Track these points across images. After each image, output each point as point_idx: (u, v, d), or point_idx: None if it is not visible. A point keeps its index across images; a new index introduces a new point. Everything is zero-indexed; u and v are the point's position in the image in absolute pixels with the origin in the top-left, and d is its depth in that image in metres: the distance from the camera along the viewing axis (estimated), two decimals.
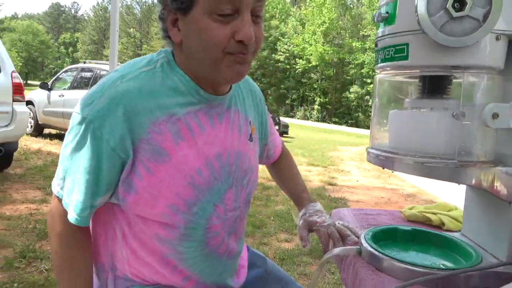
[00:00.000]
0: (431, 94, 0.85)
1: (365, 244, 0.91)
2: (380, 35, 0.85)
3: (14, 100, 4.19)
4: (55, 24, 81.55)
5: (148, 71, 0.77)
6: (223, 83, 0.82)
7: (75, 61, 68.84)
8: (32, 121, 7.63)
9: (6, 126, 4.11)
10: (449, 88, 0.85)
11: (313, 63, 38.87)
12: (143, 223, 0.80)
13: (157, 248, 0.82)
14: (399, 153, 0.81)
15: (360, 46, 38.07)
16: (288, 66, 42.47)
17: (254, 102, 1.00)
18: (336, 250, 0.95)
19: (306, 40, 40.02)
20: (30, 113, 5.37)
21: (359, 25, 40.22)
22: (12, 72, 4.21)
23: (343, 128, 31.40)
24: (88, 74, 7.43)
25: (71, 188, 0.77)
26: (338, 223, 1.01)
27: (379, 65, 0.87)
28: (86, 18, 76.92)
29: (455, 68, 0.76)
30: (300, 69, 40.33)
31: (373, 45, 0.90)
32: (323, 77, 40.45)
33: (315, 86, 40.77)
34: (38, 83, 8.68)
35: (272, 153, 1.17)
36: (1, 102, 4.09)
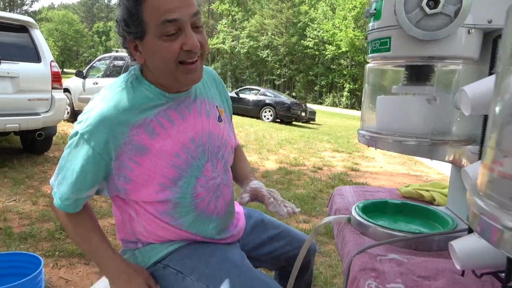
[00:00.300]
0: (415, 82, 0.96)
1: (354, 213, 1.04)
2: (369, 29, 0.97)
3: (53, 88, 4.49)
4: (89, 14, 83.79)
5: (122, 90, 0.98)
6: (183, 88, 1.01)
7: (108, 49, 70.58)
8: (69, 108, 8.05)
9: (46, 112, 4.42)
10: (431, 76, 0.95)
11: (343, 49, 38.12)
12: (145, 205, 1.03)
13: (160, 219, 1.04)
14: (382, 133, 0.93)
15: None
16: (317, 52, 41.88)
17: (218, 89, 1.19)
18: (330, 218, 1.09)
19: (336, 25, 39.23)
20: (67, 100, 5.69)
21: None
22: (51, 61, 4.51)
23: None
24: (120, 63, 7.73)
25: (61, 181, 0.99)
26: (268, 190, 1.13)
27: (368, 55, 0.98)
28: None
29: (431, 58, 0.87)
30: (329, 55, 39.69)
31: None
32: (353, 63, 39.67)
33: (345, 73, 40.07)
34: (73, 71, 9.11)
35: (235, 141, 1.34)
36: (41, 89, 4.40)
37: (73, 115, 8.23)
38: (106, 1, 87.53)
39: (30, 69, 4.31)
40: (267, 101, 13.62)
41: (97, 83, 7.52)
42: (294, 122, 14.00)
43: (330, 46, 39.51)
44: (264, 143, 7.76)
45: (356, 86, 39.13)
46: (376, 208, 1.13)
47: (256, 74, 47.78)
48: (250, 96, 14.25)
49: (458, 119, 0.88)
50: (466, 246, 0.64)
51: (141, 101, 0.97)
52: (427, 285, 0.74)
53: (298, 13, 44.00)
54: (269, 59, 44.57)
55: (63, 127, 7.23)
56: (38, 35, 4.52)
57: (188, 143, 1.01)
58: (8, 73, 4.09)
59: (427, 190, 1.28)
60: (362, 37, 37.27)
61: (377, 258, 0.84)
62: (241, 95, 14.41)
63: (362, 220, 1.00)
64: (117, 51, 8.52)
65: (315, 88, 43.31)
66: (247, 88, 15.74)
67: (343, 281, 1.02)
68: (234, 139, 1.23)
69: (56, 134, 5.07)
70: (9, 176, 3.96)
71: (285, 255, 1.28)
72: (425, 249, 0.90)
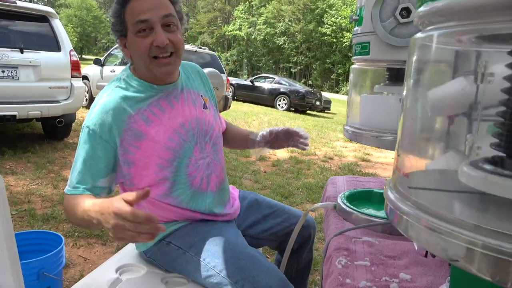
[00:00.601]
0: (395, 82, 1.05)
1: (339, 201, 1.15)
2: (354, 33, 1.06)
3: (72, 76, 4.67)
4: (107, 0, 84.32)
5: (116, 87, 1.14)
6: (160, 79, 1.14)
7: None
8: (87, 95, 8.29)
9: (66, 99, 4.62)
10: None
11: None
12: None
13: (162, 202, 1.18)
14: (362, 129, 1.03)
15: None
16: (334, 40, 41.32)
17: (202, 80, 1.34)
18: (318, 204, 1.20)
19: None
20: (85, 88, 5.89)
21: None
22: (70, 51, 4.68)
23: None
24: None
25: (72, 170, 1.10)
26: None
27: (353, 57, 1.08)
28: None
29: (404, 62, 0.96)
30: (347, 43, 39.12)
31: None
32: None
33: None
34: (92, 57, 9.33)
35: (221, 125, 1.47)
36: (61, 78, 4.58)
37: (91, 102, 8.45)
38: None
39: (50, 58, 4.49)
40: (281, 90, 13.65)
41: (114, 71, 7.70)
42: (308, 111, 14.01)
43: (348, 33, 38.88)
44: (267, 152, 7.83)
45: None
46: (361, 197, 1.23)
47: (272, 61, 47.50)
48: (265, 85, 14.29)
49: None
50: None
51: (134, 94, 1.13)
52: (391, 263, 0.84)
53: None
54: (286, 46, 44.21)
55: (82, 114, 7.46)
56: (58, 25, 4.69)
57: (179, 128, 1.16)
58: (30, 62, 4.28)
59: None
60: None
61: (352, 240, 0.95)
62: (256, 83, 14.46)
63: (346, 207, 1.11)
64: None
65: (332, 76, 42.86)
66: (262, 76, 15.78)
67: None
68: (220, 123, 1.38)
69: (75, 120, 5.28)
70: (32, 160, 4.19)
71: (282, 231, 1.38)
72: (398, 234, 1.01)
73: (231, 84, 13.63)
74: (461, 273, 0.47)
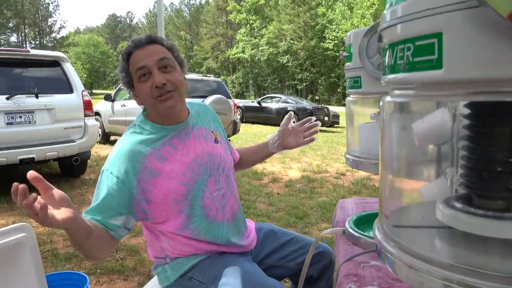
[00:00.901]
0: None
1: (347, 226, 1.20)
2: (346, 68, 1.13)
3: (85, 115, 4.84)
4: (113, 35, 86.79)
5: (132, 132, 1.24)
6: (168, 116, 1.23)
7: None
8: (100, 130, 8.49)
9: (81, 138, 4.78)
10: None
11: None
12: (165, 225, 1.24)
13: (181, 235, 1.24)
14: (361, 157, 1.09)
15: None
16: (337, 54, 41.63)
17: (212, 117, 1.44)
18: (328, 231, 1.25)
19: (355, 24, 38.89)
20: (98, 125, 6.04)
21: None
22: (82, 91, 4.87)
23: None
24: None
25: (90, 207, 1.16)
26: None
27: (347, 90, 1.15)
28: (140, 25, 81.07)
29: None
30: None
31: None
32: None
33: None
34: (101, 91, 9.60)
35: (235, 156, 1.57)
36: (75, 118, 4.76)
37: (104, 137, 8.66)
38: (128, 21, 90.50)
39: (64, 100, 4.67)
40: (289, 108, 13.76)
41: (124, 105, 7.91)
42: None
43: None
44: (287, 152, 7.90)
45: None
46: (369, 219, 1.28)
47: (277, 80, 47.94)
48: (272, 105, 14.44)
49: None
50: None
51: (148, 136, 1.22)
52: (398, 286, 0.89)
53: (315, 16, 43.93)
54: (290, 64, 44.66)
55: (96, 149, 7.65)
56: (69, 68, 4.90)
57: (191, 163, 1.23)
58: (45, 106, 4.46)
59: None
60: None
61: (361, 265, 1.00)
62: (263, 104, 14.62)
63: (354, 232, 1.16)
64: None
65: (338, 89, 42.99)
66: (268, 97, 15.95)
67: None
68: (232, 155, 1.48)
69: (90, 157, 5.42)
70: None
71: (300, 258, 1.41)
72: None
73: (238, 107, 13.82)
74: None
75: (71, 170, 5.30)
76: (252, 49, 47.17)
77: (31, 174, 0.86)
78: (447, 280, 0.40)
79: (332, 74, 43.11)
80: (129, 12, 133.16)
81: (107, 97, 8.48)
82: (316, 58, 43.75)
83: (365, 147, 1.12)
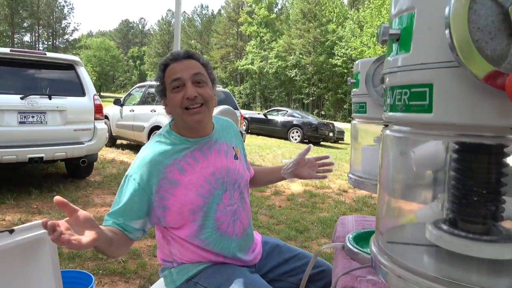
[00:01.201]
0: None
1: (347, 241, 1.27)
2: (353, 94, 1.21)
3: (95, 119, 4.95)
4: (125, 40, 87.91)
5: (157, 141, 1.31)
6: (195, 128, 1.30)
7: (142, 73, 73.42)
8: (107, 134, 8.61)
9: (89, 140, 4.88)
10: None
11: None
12: (178, 231, 1.30)
13: (191, 243, 1.30)
14: (363, 177, 1.17)
15: None
16: (345, 70, 41.95)
17: (234, 133, 1.50)
18: (327, 245, 1.31)
19: (365, 43, 39.20)
20: (107, 128, 6.13)
21: None
22: (94, 95, 4.99)
23: None
24: (154, 90, 8.23)
25: (111, 210, 1.24)
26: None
27: (353, 114, 1.23)
28: (152, 32, 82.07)
29: None
30: None
31: None
32: None
33: None
34: (109, 94, 9.74)
35: (249, 173, 1.60)
36: (85, 121, 4.87)
37: (111, 140, 8.78)
38: (140, 27, 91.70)
39: (76, 103, 4.79)
40: (294, 122, 13.87)
41: (133, 110, 8.04)
42: (322, 142, 14.12)
43: None
44: (297, 181, 7.95)
45: None
46: (368, 237, 1.34)
47: (284, 93, 48.24)
48: (278, 117, 14.55)
49: None
50: None
51: (171, 147, 1.29)
52: None
53: (325, 32, 44.38)
54: (298, 78, 44.98)
55: (102, 152, 7.75)
56: (83, 72, 5.03)
57: (210, 177, 1.29)
58: (57, 107, 4.58)
59: None
60: None
61: (358, 279, 1.06)
62: (269, 117, 14.74)
63: (352, 248, 1.23)
64: (151, 80, 9.08)
65: (344, 106, 43.16)
66: (274, 109, 16.08)
67: None
68: (248, 172, 1.53)
69: (97, 160, 5.51)
70: None
71: (302, 274, 1.39)
72: None
73: (245, 118, 13.93)
74: None
75: (77, 171, 5.39)
76: (261, 61, 47.59)
77: (57, 199, 0.93)
78: None
79: (339, 90, 43.33)
80: (142, 18, 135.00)
81: (117, 102, 8.62)
82: (324, 73, 44.04)
83: (367, 168, 1.19)
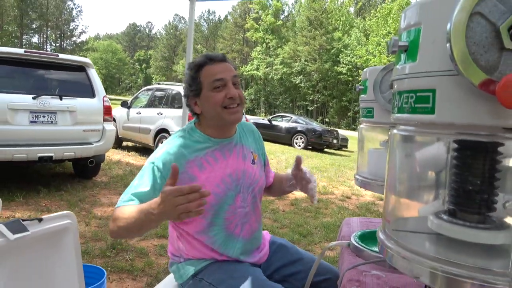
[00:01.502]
0: None
1: (352, 240, 1.34)
2: (361, 99, 1.29)
3: (104, 120, 5.04)
4: (131, 43, 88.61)
5: (181, 136, 1.38)
6: (228, 127, 1.38)
7: (147, 76, 73.84)
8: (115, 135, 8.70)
9: (98, 141, 4.96)
10: None
11: None
12: (187, 225, 1.36)
13: (197, 239, 1.36)
14: (369, 178, 1.23)
15: None
16: (350, 78, 42.09)
17: (255, 138, 1.55)
18: (334, 243, 1.38)
19: (370, 51, 39.36)
20: (115, 130, 6.19)
21: None
22: (103, 97, 5.08)
23: None
24: (161, 93, 8.33)
25: (129, 189, 1.29)
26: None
27: (360, 119, 1.30)
28: (159, 36, 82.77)
29: None
30: None
31: None
32: None
33: None
34: (115, 97, 9.81)
35: (268, 180, 1.63)
36: (94, 122, 4.96)
37: (117, 142, 8.86)
38: (147, 30, 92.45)
39: (86, 104, 4.89)
40: (298, 128, 13.94)
41: (140, 113, 8.14)
42: (325, 149, 14.18)
43: None
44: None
45: None
46: (372, 236, 1.41)
47: (289, 100, 48.39)
48: (282, 123, 14.63)
49: None
50: None
51: (194, 143, 1.35)
52: None
53: (331, 40, 44.58)
54: (302, 85, 45.14)
55: (108, 153, 7.83)
56: (93, 74, 5.14)
57: (226, 177, 1.35)
58: (68, 108, 4.67)
59: None
60: None
61: (363, 273, 1.13)
62: (274, 122, 14.82)
63: (358, 246, 1.29)
64: (159, 84, 9.20)
65: (349, 114, 43.22)
66: (279, 115, 16.17)
67: None
68: (265, 178, 1.55)
69: (104, 160, 5.60)
70: (65, 199, 4.47)
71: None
72: None
73: None
74: None
75: (84, 171, 5.48)
76: (266, 67, 47.82)
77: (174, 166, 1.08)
78: (432, 268, 0.54)
79: (344, 98, 43.41)
80: (149, 22, 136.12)
81: (124, 104, 8.73)
82: (329, 81, 44.17)
83: (373, 170, 1.26)
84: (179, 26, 76.96)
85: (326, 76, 43.91)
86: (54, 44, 52.63)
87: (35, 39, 51.02)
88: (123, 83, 76.57)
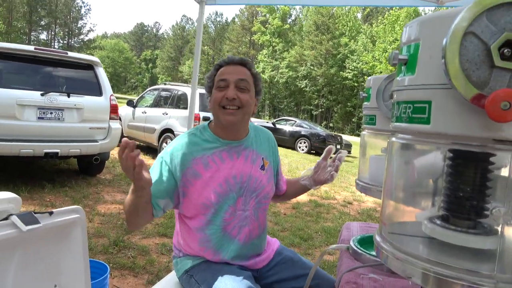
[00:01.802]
0: None
1: (351, 244, 1.37)
2: (364, 107, 1.32)
3: (110, 118, 5.10)
4: (138, 42, 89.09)
5: (192, 133, 1.43)
6: (227, 128, 1.40)
7: (153, 76, 74.17)
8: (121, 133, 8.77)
9: (104, 139, 5.02)
10: None
11: None
12: (190, 220, 1.40)
13: (195, 233, 1.39)
14: (370, 184, 1.27)
15: None
16: (356, 84, 42.10)
17: (269, 146, 1.56)
18: (334, 246, 1.41)
19: (376, 57, 39.40)
20: (121, 128, 6.23)
21: None
22: (110, 95, 5.15)
23: None
24: (167, 93, 8.40)
25: None
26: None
27: (363, 125, 1.34)
28: (166, 36, 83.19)
29: None
30: None
31: None
32: None
33: None
34: (120, 96, 9.87)
35: (281, 188, 1.66)
36: (100, 119, 5.02)
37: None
38: (154, 30, 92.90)
39: (93, 102, 4.96)
40: (302, 133, 13.97)
41: (145, 112, 8.21)
42: None
43: None
44: (297, 175, 8.06)
45: None
46: (371, 241, 1.44)
47: (293, 103, 48.45)
48: (286, 127, 14.67)
49: None
50: None
51: (203, 142, 1.40)
52: None
53: (338, 45, 44.65)
54: (307, 89, 45.19)
55: (112, 151, 7.89)
56: (101, 72, 5.20)
57: (230, 178, 1.37)
58: (75, 105, 4.74)
59: None
60: None
61: (360, 276, 1.16)
62: (278, 126, 14.86)
63: (357, 249, 1.33)
64: (165, 84, 9.27)
65: (353, 119, 43.20)
66: (283, 119, 16.21)
67: None
68: (276, 186, 1.57)
69: (108, 158, 5.66)
70: (69, 195, 4.53)
71: None
72: None
73: None
74: None
75: (89, 168, 5.54)
76: (272, 71, 47.92)
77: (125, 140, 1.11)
78: (424, 269, 0.57)
79: (349, 104, 43.41)
80: (156, 22, 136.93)
81: (129, 103, 8.80)
82: (334, 86, 44.19)
83: (374, 176, 1.29)
84: (186, 27, 77.34)
85: (331, 81, 43.95)
86: (62, 41, 53.02)
87: (43, 36, 51.47)
88: (129, 82, 76.94)
